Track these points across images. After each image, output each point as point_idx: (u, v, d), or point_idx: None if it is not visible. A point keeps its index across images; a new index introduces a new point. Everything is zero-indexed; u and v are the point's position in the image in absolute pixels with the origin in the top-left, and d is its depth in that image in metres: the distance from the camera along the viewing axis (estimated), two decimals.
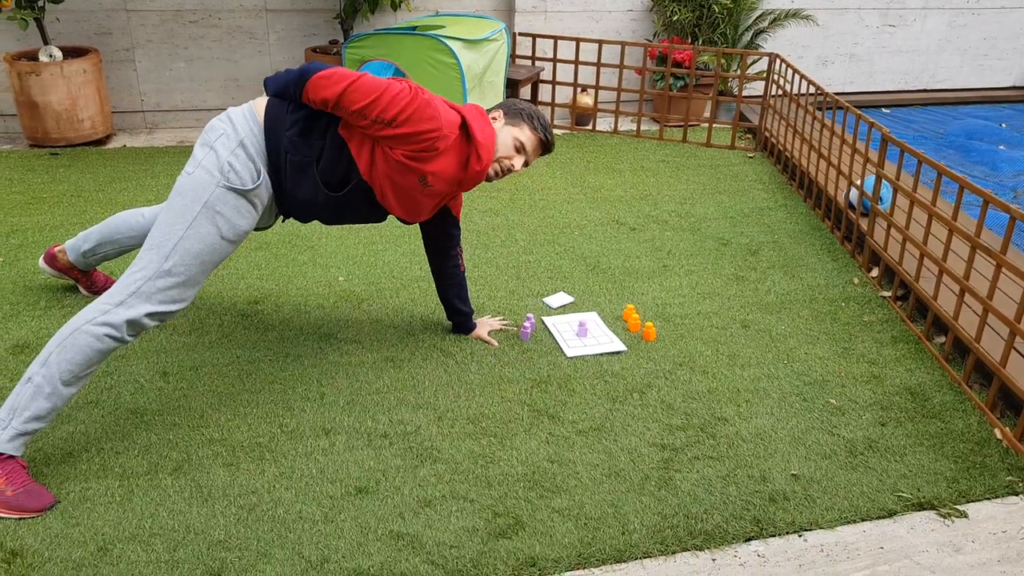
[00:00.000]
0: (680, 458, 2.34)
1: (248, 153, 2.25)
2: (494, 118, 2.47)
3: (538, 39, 5.35)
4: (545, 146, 2.48)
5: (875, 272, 3.46)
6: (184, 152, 4.72)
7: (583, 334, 2.93)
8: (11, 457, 2.07)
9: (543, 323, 3.01)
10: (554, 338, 2.92)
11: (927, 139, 5.62)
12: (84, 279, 3.02)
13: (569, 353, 2.83)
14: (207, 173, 2.21)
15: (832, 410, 2.60)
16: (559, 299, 3.19)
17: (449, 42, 4.28)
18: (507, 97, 4.97)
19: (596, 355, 2.83)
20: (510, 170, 2.42)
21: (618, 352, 2.86)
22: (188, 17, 4.98)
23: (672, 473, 2.28)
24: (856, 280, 3.44)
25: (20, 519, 2.02)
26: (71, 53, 4.69)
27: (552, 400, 2.57)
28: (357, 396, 2.54)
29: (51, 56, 4.53)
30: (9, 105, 4.88)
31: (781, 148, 4.71)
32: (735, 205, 4.21)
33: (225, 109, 5.22)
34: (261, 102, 2.32)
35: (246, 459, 2.25)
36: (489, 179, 2.45)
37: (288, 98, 2.28)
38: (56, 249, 2.96)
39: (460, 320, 2.87)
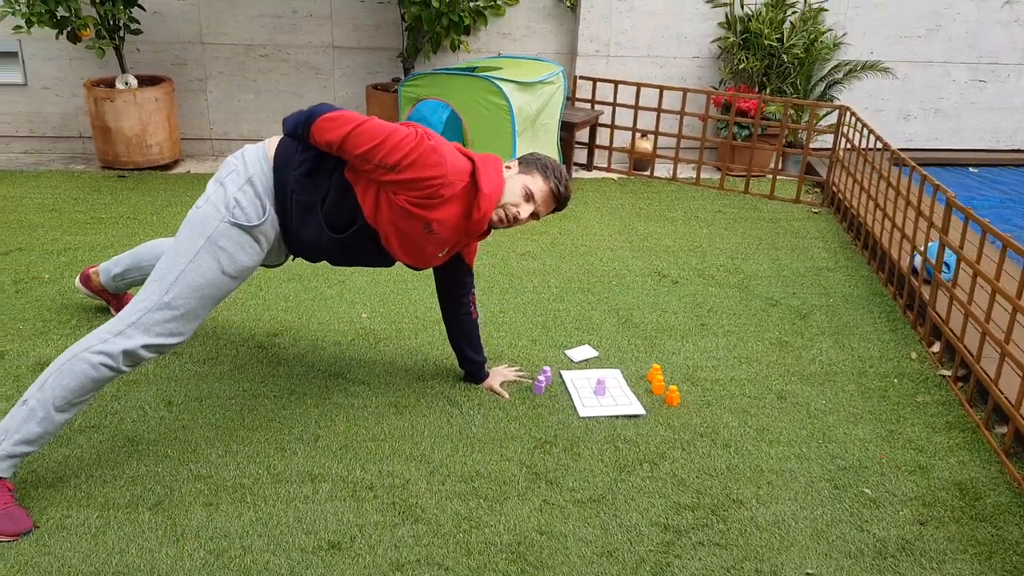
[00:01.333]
0: (683, 542, 2.16)
1: (256, 190, 2.24)
2: (508, 167, 2.40)
3: (598, 83, 5.27)
4: (558, 198, 2.39)
5: (936, 347, 3.18)
6: None
7: (601, 393, 2.78)
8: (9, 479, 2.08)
9: (560, 377, 2.88)
10: (569, 394, 2.78)
11: (1015, 203, 5.23)
12: (115, 301, 3.07)
13: (582, 412, 2.68)
14: (214, 208, 2.21)
15: (866, 501, 2.36)
16: (582, 352, 3.05)
17: (501, 84, 4.24)
18: (561, 140, 4.90)
19: (611, 417, 2.67)
20: (516, 218, 2.33)
21: (635, 416, 2.69)
22: (259, 51, 5.13)
23: (671, 559, 2.10)
24: (914, 355, 3.17)
25: None
26: (147, 81, 4.88)
27: (554, 463, 2.43)
28: (352, 442, 2.46)
29: (127, 84, 4.72)
30: (88, 128, 5.11)
31: (848, 204, 4.46)
32: (791, 263, 3.99)
33: None
34: (275, 141, 2.31)
35: (227, 500, 2.19)
36: (494, 226, 2.36)
37: (297, 138, 2.26)
38: (91, 270, 3.02)
39: (472, 369, 2.77)
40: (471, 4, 4.92)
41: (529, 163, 2.39)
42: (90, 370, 2.08)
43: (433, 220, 2.24)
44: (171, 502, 2.17)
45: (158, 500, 2.18)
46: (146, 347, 2.14)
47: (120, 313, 2.17)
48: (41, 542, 2.02)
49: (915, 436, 2.67)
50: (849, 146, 4.58)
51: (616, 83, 5.11)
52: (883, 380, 2.99)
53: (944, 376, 3.02)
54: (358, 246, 2.34)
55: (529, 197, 2.35)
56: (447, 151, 2.24)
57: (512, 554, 2.08)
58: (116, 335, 2.12)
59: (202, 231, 2.19)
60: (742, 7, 5.29)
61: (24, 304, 3.19)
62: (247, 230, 2.22)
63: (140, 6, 4.72)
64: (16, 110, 5.06)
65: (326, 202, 2.27)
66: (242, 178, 2.23)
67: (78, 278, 3.04)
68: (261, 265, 2.42)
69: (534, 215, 2.37)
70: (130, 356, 2.12)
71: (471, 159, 2.31)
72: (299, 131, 2.23)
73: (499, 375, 2.81)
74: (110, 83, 4.80)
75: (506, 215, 2.33)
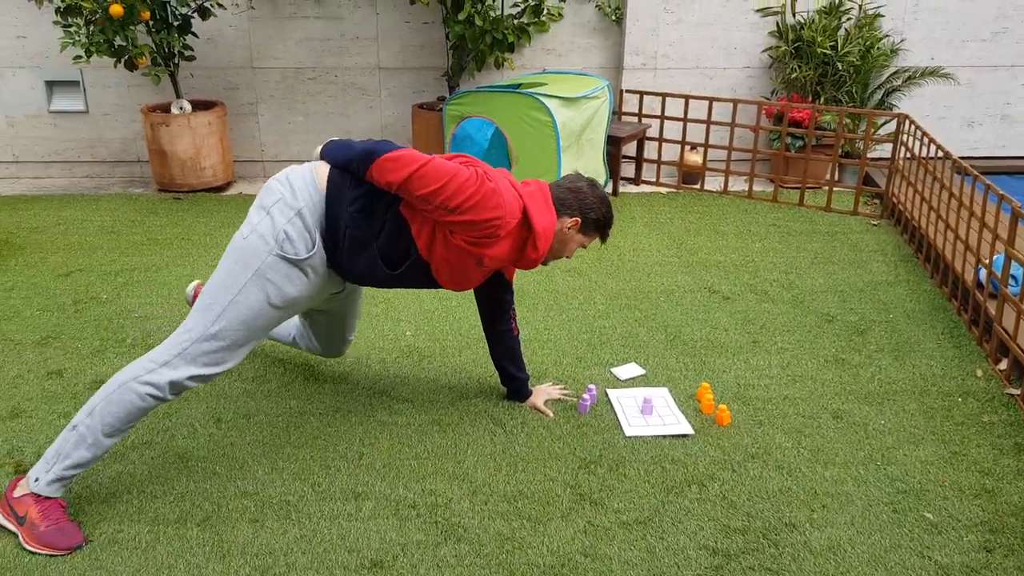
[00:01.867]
0: (732, 567, 2.08)
1: (305, 223, 2.21)
2: (570, 227, 2.40)
3: (645, 96, 5.23)
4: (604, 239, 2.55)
5: (1003, 364, 3.04)
6: None
7: (648, 412, 2.72)
8: (50, 498, 2.12)
9: (606, 396, 2.83)
10: (615, 413, 2.73)
11: None
12: None
13: (628, 432, 2.63)
14: (261, 240, 2.18)
15: (927, 527, 2.25)
16: (629, 370, 3.00)
17: (545, 100, 4.23)
18: (608, 154, 4.85)
19: (658, 436, 2.61)
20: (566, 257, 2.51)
21: (683, 436, 2.63)
22: (307, 74, 5.22)
23: None
24: (979, 372, 3.03)
25: (50, 556, 2.05)
26: (200, 106, 5.01)
27: (599, 484, 2.38)
28: (395, 460, 2.45)
29: (181, 108, 4.85)
30: (145, 152, 5.26)
31: (908, 216, 4.32)
32: (848, 277, 3.87)
33: None
34: (323, 169, 2.27)
35: (272, 516, 2.20)
36: (545, 263, 2.45)
37: (351, 173, 2.25)
38: (199, 284, 3.05)
39: (515, 386, 2.74)
40: (515, 21, 4.94)
41: (590, 223, 2.43)
42: (137, 400, 2.11)
43: (486, 256, 2.26)
44: (218, 518, 2.19)
45: (206, 516, 2.20)
46: (192, 378, 2.16)
47: (167, 341, 2.18)
48: (93, 556, 2.05)
49: (981, 458, 2.54)
50: (909, 155, 4.44)
51: (664, 95, 5.06)
52: (946, 399, 2.87)
53: (1012, 395, 2.88)
54: (410, 277, 2.35)
55: (583, 246, 2.49)
56: (504, 190, 2.24)
57: None
58: (162, 365, 2.13)
59: (249, 263, 2.17)
60: (794, 15, 5.19)
61: (83, 323, 3.28)
62: (296, 263, 2.20)
63: (194, 34, 4.86)
64: (79, 136, 5.25)
65: (381, 238, 2.26)
66: (291, 209, 2.20)
67: (190, 288, 3.01)
68: (329, 293, 2.42)
69: None
70: (176, 386, 2.15)
71: (520, 195, 2.31)
72: (355, 167, 2.21)
73: (543, 393, 2.77)
74: (166, 108, 4.95)
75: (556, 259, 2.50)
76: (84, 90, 5.13)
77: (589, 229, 2.44)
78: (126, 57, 4.54)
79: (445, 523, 2.20)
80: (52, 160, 5.30)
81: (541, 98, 4.24)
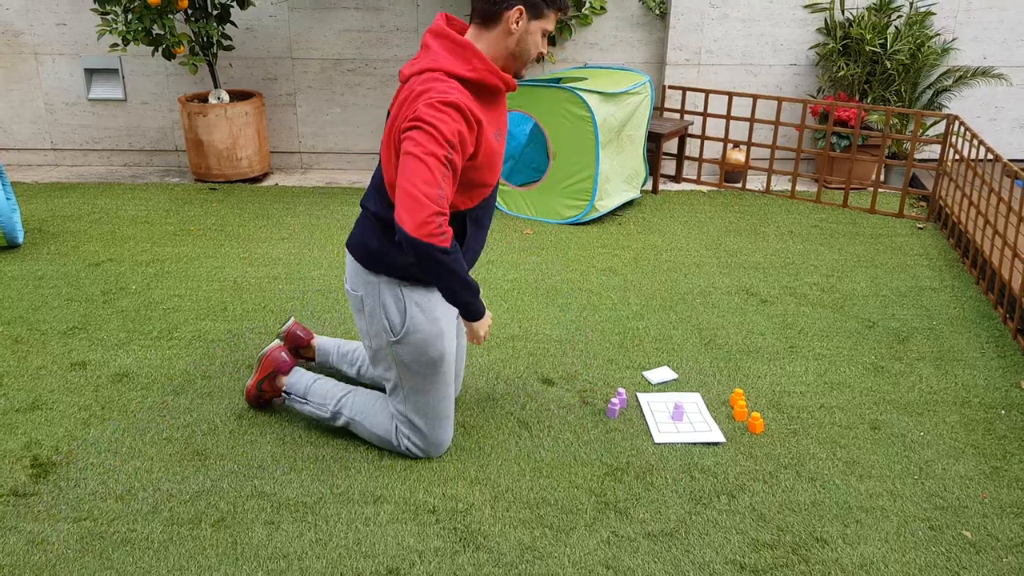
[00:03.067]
0: None
1: (383, 301, 2.33)
2: (516, 20, 2.13)
3: (688, 92, 5.11)
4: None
5: None
6: (330, 193, 4.88)
7: (679, 418, 2.65)
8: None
9: (636, 400, 2.76)
10: (644, 418, 2.65)
11: None
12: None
13: (657, 439, 2.55)
14: (380, 339, 2.37)
15: (965, 546, 2.14)
16: (661, 374, 2.92)
17: (584, 95, 4.15)
18: (648, 151, 4.75)
19: (688, 444, 2.53)
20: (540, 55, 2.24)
21: (715, 444, 2.54)
22: (346, 65, 5.20)
23: None
24: None
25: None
26: (238, 96, 5.01)
27: (625, 492, 2.31)
28: (416, 462, 2.41)
29: (219, 98, 4.86)
30: (183, 142, 5.29)
31: (955, 220, 4.15)
32: (891, 282, 3.73)
33: (374, 155, 5.39)
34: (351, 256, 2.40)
35: (288, 519, 2.17)
36: (519, 76, 2.27)
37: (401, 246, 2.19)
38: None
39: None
40: None
41: (532, 5, 2.14)
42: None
43: (491, 134, 2.18)
44: (233, 519, 2.17)
45: (221, 516, 2.18)
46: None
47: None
48: (105, 556, 2.04)
49: (1023, 474, 2.43)
50: (957, 157, 4.27)
51: (707, 92, 4.94)
52: (989, 411, 2.74)
53: None
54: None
55: (546, 35, 2.21)
56: (444, 115, 2.04)
57: None
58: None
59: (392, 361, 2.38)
60: (843, 12, 5.03)
61: (110, 314, 3.29)
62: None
63: (232, 23, 4.86)
64: (117, 124, 5.29)
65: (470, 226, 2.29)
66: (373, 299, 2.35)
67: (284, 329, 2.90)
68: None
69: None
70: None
71: (442, 72, 2.10)
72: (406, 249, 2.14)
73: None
74: (203, 98, 4.96)
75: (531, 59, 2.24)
76: (123, 78, 5.17)
77: (539, 11, 2.15)
78: (164, 46, 4.55)
79: (464, 530, 2.15)
80: (90, 148, 5.36)
81: (581, 93, 4.15)
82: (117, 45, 4.44)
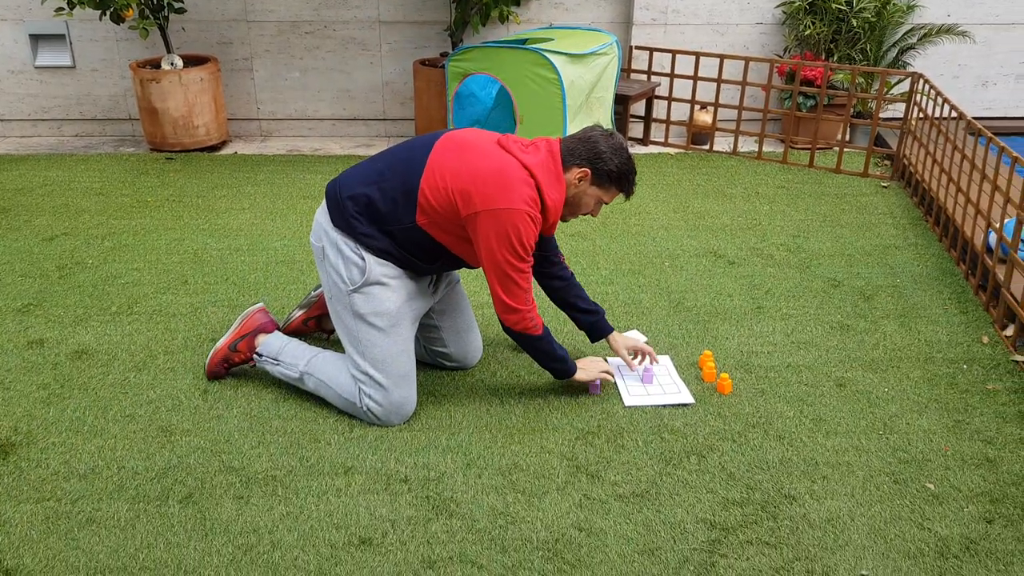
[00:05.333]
0: (730, 540, 2.03)
1: (343, 253, 2.38)
2: (580, 178, 2.32)
3: (655, 53, 5.06)
4: (628, 195, 2.45)
5: (1009, 330, 2.95)
6: (291, 161, 4.79)
7: (648, 380, 2.65)
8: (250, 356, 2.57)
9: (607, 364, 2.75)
10: (615, 382, 2.66)
11: None
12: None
13: (627, 401, 2.56)
14: (336, 288, 2.41)
15: (928, 497, 2.19)
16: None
17: (551, 56, 4.09)
18: (616, 113, 4.72)
19: (658, 406, 2.54)
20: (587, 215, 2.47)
21: (684, 405, 2.56)
22: (304, 28, 5.06)
23: (716, 559, 1.98)
24: (985, 338, 2.95)
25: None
26: (192, 62, 4.87)
27: (596, 456, 2.32)
28: (387, 432, 2.39)
29: (172, 64, 4.71)
30: (136, 110, 5.13)
31: (919, 178, 4.19)
32: (856, 241, 3.77)
33: (336, 120, 5.28)
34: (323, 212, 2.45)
35: (258, 493, 2.15)
36: (564, 219, 2.45)
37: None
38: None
39: (593, 320, 2.68)
40: None
41: (604, 175, 2.32)
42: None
43: None
44: (202, 495, 2.14)
45: (189, 492, 2.15)
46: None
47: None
48: (70, 535, 2.00)
49: (984, 427, 2.47)
50: (922, 116, 4.29)
51: (674, 53, 4.90)
52: (951, 366, 2.79)
53: (1017, 362, 2.80)
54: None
55: (600, 204, 2.41)
56: (525, 212, 2.23)
57: (549, 552, 1.98)
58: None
59: (343, 311, 2.40)
60: None
61: (66, 290, 3.20)
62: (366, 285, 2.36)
63: None
64: (66, 92, 5.12)
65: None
66: (333, 249, 2.38)
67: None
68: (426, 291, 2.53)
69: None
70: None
71: (529, 169, 2.25)
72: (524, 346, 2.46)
73: (625, 341, 2.70)
74: (156, 64, 4.81)
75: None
76: (70, 44, 4.99)
77: (603, 181, 2.33)
78: (112, 9, 4.37)
79: (437, 498, 2.14)
80: (39, 118, 5.18)
81: (547, 54, 4.09)
82: (63, 9, 4.27)
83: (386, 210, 2.29)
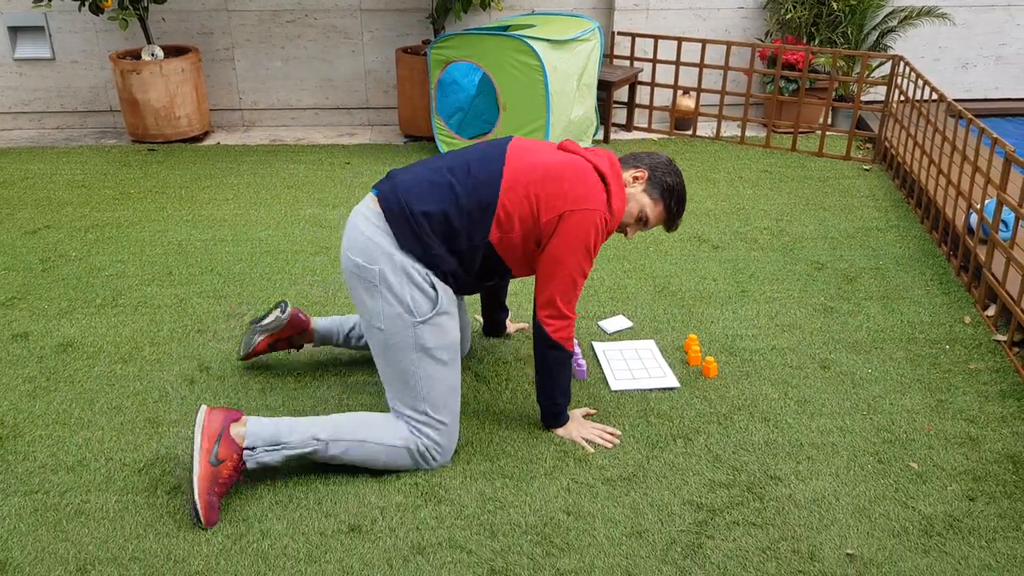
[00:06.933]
0: (717, 522, 2.05)
1: (412, 279, 2.15)
2: (636, 177, 2.26)
3: (637, 38, 5.06)
4: (669, 228, 2.36)
5: (991, 310, 2.99)
6: (275, 151, 4.76)
7: (582, 375, 2.64)
8: (243, 472, 2.06)
9: (592, 349, 2.77)
10: (601, 367, 2.67)
11: None
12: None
13: (614, 386, 2.58)
14: (399, 320, 2.14)
15: (912, 477, 2.22)
16: (616, 323, 2.93)
17: (533, 43, 4.08)
18: (599, 100, 4.71)
19: (644, 390, 2.56)
20: (622, 233, 2.35)
21: (670, 389, 2.58)
22: (285, 17, 5.03)
23: (704, 540, 2.00)
24: (967, 319, 2.98)
25: (196, 520, 2.00)
26: (173, 52, 4.83)
27: None
28: None
29: (153, 55, 4.67)
30: (118, 101, 5.09)
31: (900, 161, 4.22)
32: (839, 224, 3.80)
33: (318, 110, 5.26)
34: (366, 221, 2.16)
35: (247, 482, 2.15)
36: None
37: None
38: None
39: (504, 317, 2.80)
40: None
41: (660, 187, 2.26)
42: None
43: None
44: (190, 486, 2.14)
45: (178, 483, 2.15)
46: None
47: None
48: (59, 527, 2.00)
49: (966, 406, 2.51)
50: (903, 98, 4.32)
51: (656, 38, 4.90)
52: (933, 347, 2.82)
53: (999, 341, 2.84)
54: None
55: (642, 221, 2.29)
56: (599, 217, 2.14)
57: (537, 535, 2.00)
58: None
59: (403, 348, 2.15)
60: None
61: (50, 283, 3.18)
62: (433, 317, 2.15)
63: None
64: (46, 85, 5.06)
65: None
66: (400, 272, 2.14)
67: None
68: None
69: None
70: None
71: (606, 180, 2.18)
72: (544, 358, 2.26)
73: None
74: (136, 55, 4.76)
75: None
76: (50, 36, 4.93)
77: (656, 190, 2.25)
78: (91, 0, 4.34)
79: (426, 484, 2.16)
80: (19, 111, 5.12)
81: (529, 41, 4.08)
82: (42, 1, 4.22)
83: (460, 226, 2.09)
